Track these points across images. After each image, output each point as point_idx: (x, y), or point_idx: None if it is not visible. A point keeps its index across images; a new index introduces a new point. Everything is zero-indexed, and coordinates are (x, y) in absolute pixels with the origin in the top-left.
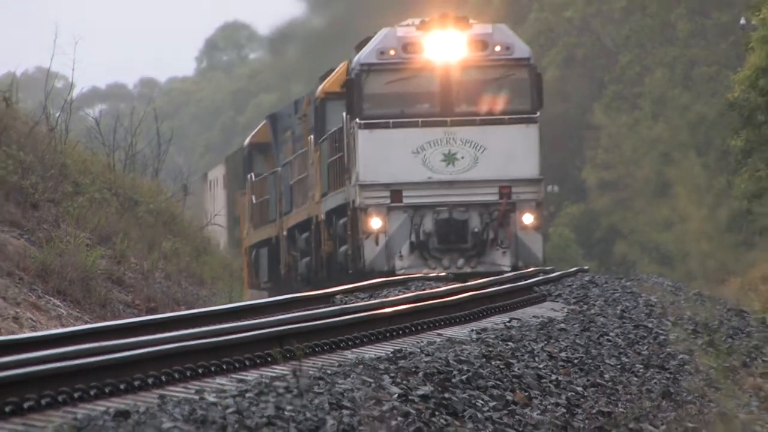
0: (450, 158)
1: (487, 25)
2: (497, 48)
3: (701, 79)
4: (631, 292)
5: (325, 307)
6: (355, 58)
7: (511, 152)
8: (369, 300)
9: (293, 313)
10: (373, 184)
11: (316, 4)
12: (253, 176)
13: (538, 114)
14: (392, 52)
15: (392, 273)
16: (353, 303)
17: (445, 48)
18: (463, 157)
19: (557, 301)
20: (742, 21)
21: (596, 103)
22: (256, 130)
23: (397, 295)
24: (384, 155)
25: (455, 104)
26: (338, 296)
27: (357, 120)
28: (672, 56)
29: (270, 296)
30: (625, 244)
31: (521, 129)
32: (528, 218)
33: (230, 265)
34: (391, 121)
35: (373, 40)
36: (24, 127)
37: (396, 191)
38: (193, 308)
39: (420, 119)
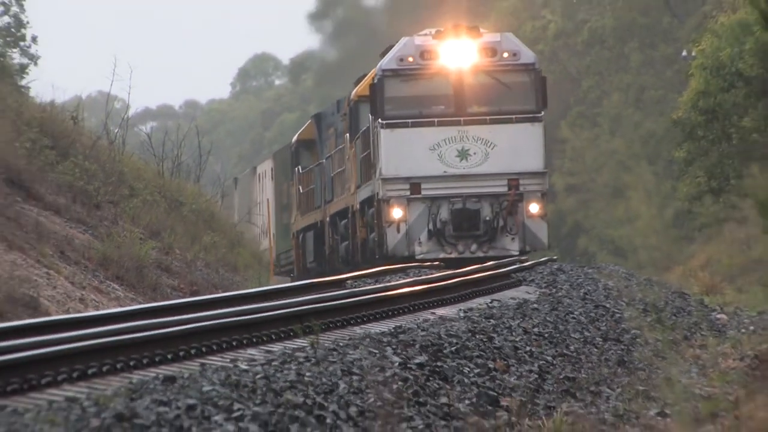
0: (463, 154)
1: (496, 34)
2: (505, 54)
3: (650, 101)
4: (592, 278)
5: (337, 291)
6: (378, 65)
7: (518, 148)
8: (374, 284)
9: (311, 295)
10: (394, 177)
11: (328, 39)
12: (300, 169)
13: (543, 113)
14: (411, 59)
15: (412, 257)
16: (361, 287)
17: (458, 55)
18: (475, 153)
19: (531, 286)
20: (684, 53)
21: (563, 121)
22: (302, 129)
23: (398, 280)
24: (404, 152)
25: (467, 105)
26: (349, 281)
27: (379, 120)
28: (626, 82)
29: (292, 281)
30: (587, 239)
31: (527, 127)
32: (534, 207)
33: (259, 255)
34: (410, 121)
35: (393, 48)
36: (88, 141)
37: (415, 184)
38: (228, 291)
39: (436, 119)
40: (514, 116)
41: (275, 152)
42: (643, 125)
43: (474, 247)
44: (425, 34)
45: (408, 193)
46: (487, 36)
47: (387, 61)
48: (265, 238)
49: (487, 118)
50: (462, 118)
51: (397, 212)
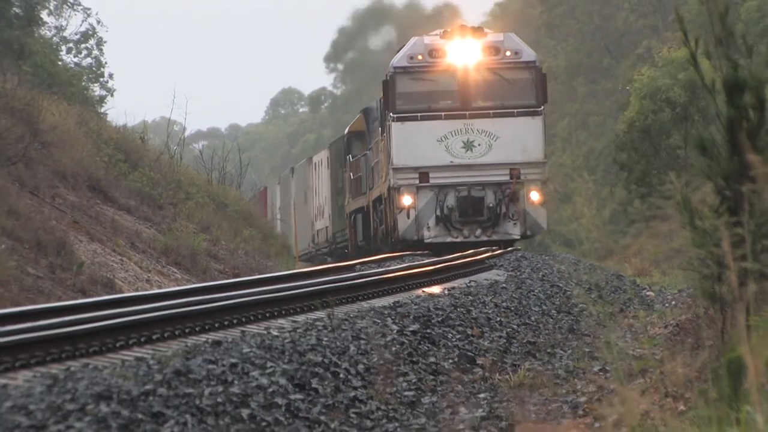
0: (468, 145)
1: (499, 34)
2: (508, 53)
3: (593, 125)
4: (548, 264)
5: (349, 273)
6: (390, 63)
7: (519, 140)
8: (378, 268)
9: (328, 277)
10: (404, 167)
11: (339, 78)
12: (351, 157)
13: (543, 108)
14: (420, 57)
15: (421, 241)
16: (367, 270)
17: (464, 53)
18: (479, 144)
19: (500, 270)
20: (620, 87)
21: None
22: (353, 122)
23: (397, 265)
24: (413, 143)
25: (473, 100)
26: (358, 266)
27: (391, 114)
28: (574, 110)
29: (312, 266)
30: (543, 233)
31: (528, 120)
32: (534, 195)
33: (287, 245)
34: (419, 114)
35: (404, 47)
36: (153, 156)
37: (424, 173)
38: (263, 274)
39: (443, 113)
40: (515, 110)
41: (331, 143)
42: (587, 143)
43: (478, 231)
44: (433, 34)
45: (417, 181)
46: (491, 36)
47: (398, 59)
48: (320, 219)
49: (491, 111)
50: (467, 112)
51: (407, 199)
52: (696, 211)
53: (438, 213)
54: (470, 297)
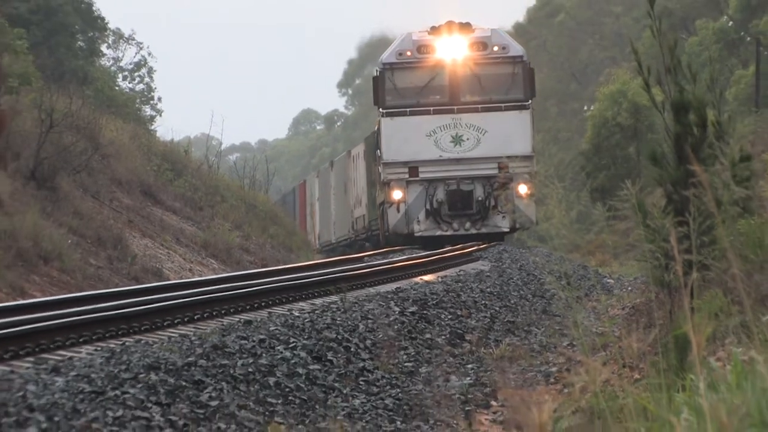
0: (457, 140)
1: (486, 29)
2: (495, 48)
3: (563, 140)
4: (524, 256)
5: (358, 264)
6: (379, 59)
7: (507, 134)
8: (382, 259)
9: (340, 267)
10: (394, 162)
11: (349, 101)
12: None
13: (530, 102)
14: (408, 53)
15: (412, 235)
16: (374, 261)
17: (452, 49)
18: (468, 139)
19: (485, 261)
20: (585, 108)
21: None
22: None
23: (398, 257)
24: (403, 138)
25: (461, 95)
26: (365, 258)
27: (380, 109)
28: (547, 127)
29: (327, 258)
30: (520, 230)
31: (516, 114)
32: (523, 188)
33: (307, 241)
34: (408, 109)
35: (393, 43)
36: (194, 166)
37: (413, 167)
38: (287, 264)
39: (432, 108)
40: (503, 104)
41: (366, 137)
42: (557, 155)
43: (468, 224)
44: (422, 31)
45: (407, 175)
46: (479, 31)
47: (387, 55)
48: (358, 207)
49: (479, 106)
50: (456, 107)
51: (397, 194)
52: (648, 212)
53: (428, 207)
54: (460, 284)
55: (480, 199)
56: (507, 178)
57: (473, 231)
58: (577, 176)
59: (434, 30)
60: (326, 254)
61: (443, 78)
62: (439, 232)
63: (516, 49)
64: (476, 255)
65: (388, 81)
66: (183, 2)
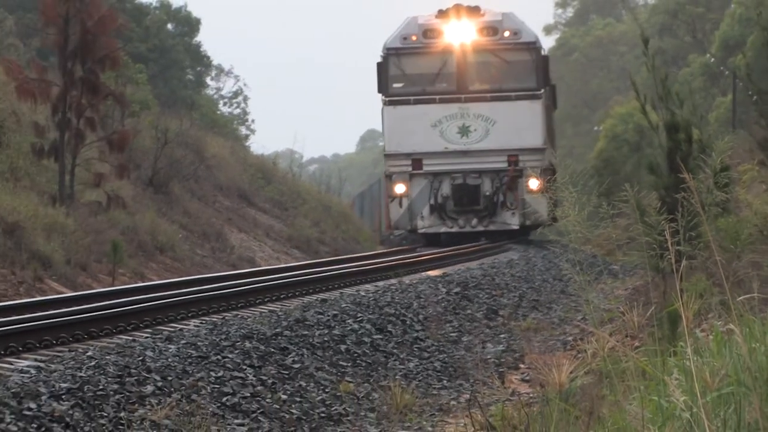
0: (464, 130)
1: (497, 13)
2: (506, 33)
3: (577, 154)
4: (546, 248)
5: (412, 253)
6: (383, 43)
7: (517, 125)
8: (432, 250)
9: (398, 256)
10: (396, 153)
11: None
12: None
13: (543, 91)
14: (414, 38)
15: (415, 231)
16: (425, 251)
17: (460, 33)
18: (475, 130)
19: (514, 252)
20: (595, 128)
21: None
22: None
23: (445, 248)
24: (406, 128)
25: (469, 83)
26: (418, 248)
27: (383, 97)
28: (563, 143)
29: (387, 248)
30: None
31: (527, 104)
32: (534, 183)
33: (371, 235)
34: (412, 98)
35: (397, 27)
36: (281, 174)
37: (417, 160)
38: (355, 254)
39: (438, 96)
40: (513, 93)
41: None
42: (571, 167)
43: (474, 221)
44: (429, 14)
45: (410, 168)
46: (489, 15)
47: (391, 40)
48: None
49: (488, 95)
50: (463, 96)
51: (399, 187)
52: (645, 211)
53: (432, 202)
54: (494, 269)
55: (488, 194)
56: (517, 172)
57: (480, 228)
58: (587, 183)
59: (441, 14)
60: (387, 246)
61: (450, 65)
62: (443, 229)
63: (529, 34)
64: (508, 246)
65: (392, 67)
66: (274, 45)
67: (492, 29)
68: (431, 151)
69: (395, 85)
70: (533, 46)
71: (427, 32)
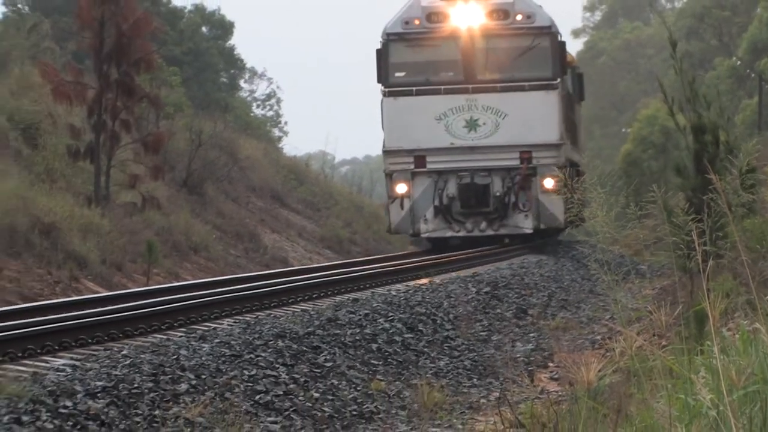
0: (472, 124)
1: None
2: (519, 17)
3: (606, 155)
4: (575, 248)
5: (443, 254)
6: (383, 28)
7: (531, 118)
8: (462, 251)
9: (428, 256)
10: (397, 150)
11: None
12: None
13: (558, 81)
14: (417, 22)
15: (417, 236)
16: (457, 251)
17: (468, 17)
18: (484, 123)
19: (544, 251)
20: (624, 129)
21: None
22: None
23: (474, 248)
24: (408, 122)
25: (477, 72)
26: (452, 243)
27: (382, 88)
28: (592, 145)
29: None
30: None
31: (541, 95)
32: (549, 182)
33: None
34: (414, 88)
35: (399, 10)
36: (313, 175)
37: (420, 157)
38: (386, 254)
39: (442, 86)
40: (527, 83)
41: None
42: (600, 167)
43: (483, 225)
44: None
45: (412, 166)
46: None
47: (392, 24)
48: None
49: (498, 85)
50: (471, 86)
51: (401, 187)
52: (672, 211)
53: (437, 203)
54: (523, 269)
55: (498, 194)
56: (530, 170)
57: (490, 232)
58: (615, 184)
59: None
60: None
61: (456, 52)
62: (449, 233)
63: (543, 18)
64: (537, 246)
65: (393, 55)
66: (309, 50)
67: (503, 12)
68: (435, 147)
69: (396, 75)
70: (548, 31)
71: (432, 16)
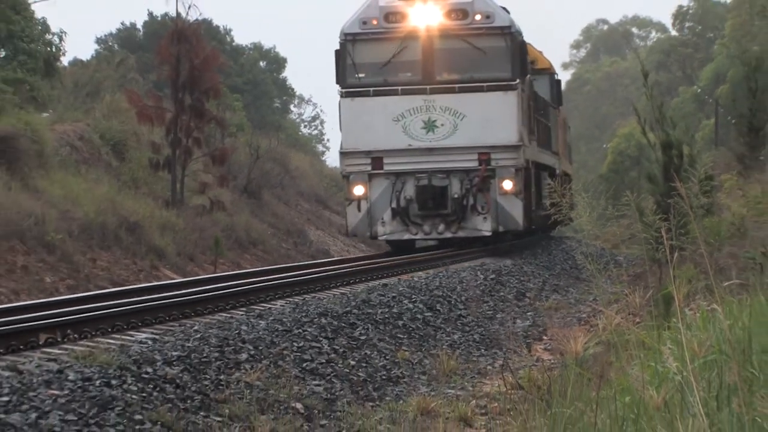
0: (430, 126)
1: None
2: (477, 17)
3: (589, 167)
4: (564, 243)
5: (456, 248)
6: (341, 28)
7: (489, 119)
8: (469, 246)
9: (444, 249)
10: (354, 151)
11: None
12: None
13: (518, 81)
14: (374, 22)
15: (374, 239)
16: (468, 247)
17: (426, 17)
18: (442, 125)
19: (540, 246)
20: (605, 145)
21: None
22: None
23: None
24: (365, 123)
25: (436, 72)
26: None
27: (340, 89)
28: (578, 158)
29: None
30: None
31: (499, 96)
32: (507, 184)
33: None
34: (371, 89)
35: (356, 10)
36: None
37: (377, 158)
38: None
39: (400, 87)
40: (485, 84)
41: None
42: (585, 177)
43: (441, 227)
44: None
45: (370, 168)
46: None
47: (349, 24)
48: None
49: (456, 86)
50: (429, 87)
51: (358, 189)
52: (644, 212)
53: (394, 205)
54: (522, 260)
55: (456, 196)
56: (489, 171)
57: (448, 234)
58: (596, 190)
59: None
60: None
61: (415, 52)
62: (407, 236)
63: (503, 18)
64: (535, 242)
65: (349, 55)
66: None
67: (461, 12)
68: (393, 148)
69: (353, 75)
70: (508, 31)
71: (389, 16)
